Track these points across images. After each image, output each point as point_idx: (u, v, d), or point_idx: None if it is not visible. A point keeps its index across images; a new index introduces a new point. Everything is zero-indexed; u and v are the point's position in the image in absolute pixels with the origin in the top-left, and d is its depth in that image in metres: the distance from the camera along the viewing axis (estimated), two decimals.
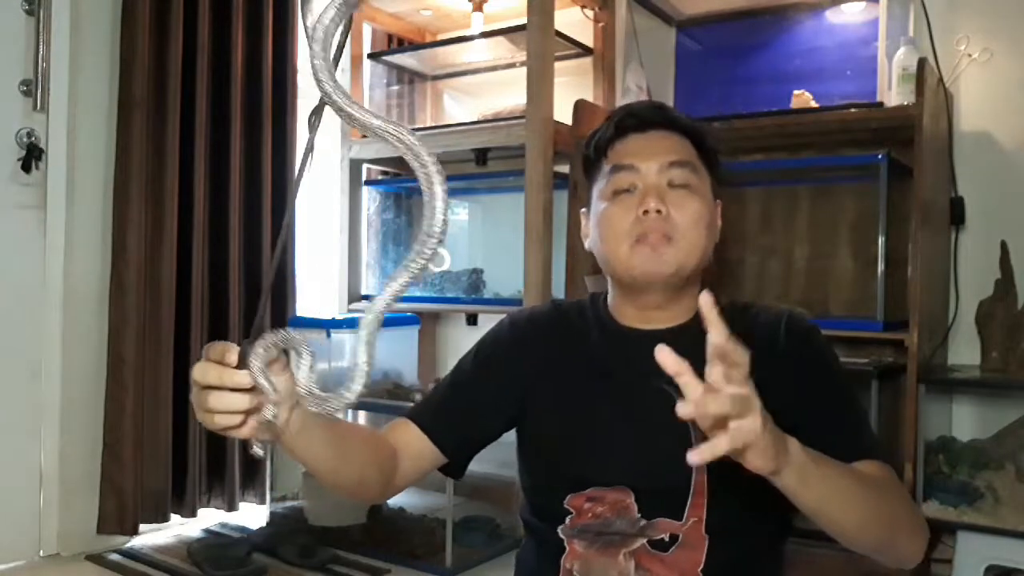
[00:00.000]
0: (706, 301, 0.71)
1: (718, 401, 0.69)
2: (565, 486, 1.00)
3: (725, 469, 0.76)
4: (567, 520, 1.00)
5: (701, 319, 0.71)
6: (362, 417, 2.56)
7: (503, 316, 1.14)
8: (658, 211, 0.97)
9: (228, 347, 0.73)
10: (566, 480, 1.01)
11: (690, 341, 0.74)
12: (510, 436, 1.08)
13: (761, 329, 1.00)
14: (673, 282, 1.00)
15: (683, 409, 0.69)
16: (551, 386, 1.05)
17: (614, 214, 1.00)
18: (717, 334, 0.70)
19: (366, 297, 2.62)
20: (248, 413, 0.75)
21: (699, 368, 0.70)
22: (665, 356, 0.69)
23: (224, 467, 2.30)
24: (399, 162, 2.75)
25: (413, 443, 1.03)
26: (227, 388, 0.72)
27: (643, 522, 0.96)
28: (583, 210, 1.08)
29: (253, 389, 0.73)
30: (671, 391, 0.73)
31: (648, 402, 0.93)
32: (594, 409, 1.01)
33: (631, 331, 1.05)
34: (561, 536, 1.00)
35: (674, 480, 0.95)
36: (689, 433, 0.87)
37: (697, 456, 0.69)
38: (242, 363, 0.72)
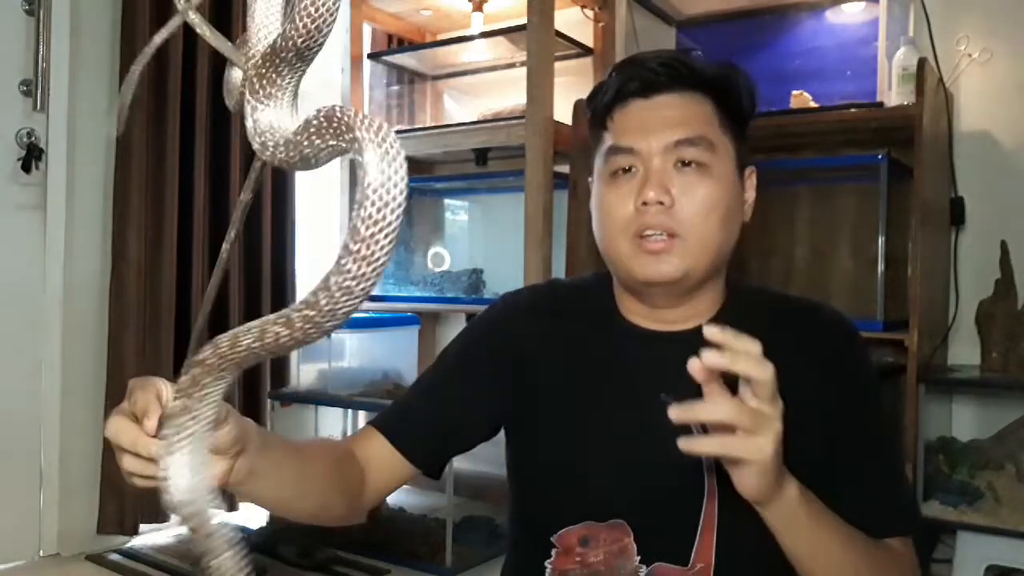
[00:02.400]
0: (713, 333, 0.65)
1: (722, 407, 0.66)
2: (554, 516, 0.89)
3: (739, 503, 0.71)
4: (553, 555, 0.88)
5: (725, 315, 0.66)
6: (362, 418, 2.56)
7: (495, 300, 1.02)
8: (660, 202, 0.83)
9: (150, 407, 0.57)
10: (555, 510, 0.89)
11: (711, 346, 0.66)
12: None
13: (788, 326, 0.89)
14: (682, 286, 0.87)
15: (675, 412, 0.66)
16: (545, 392, 0.92)
17: (611, 200, 0.87)
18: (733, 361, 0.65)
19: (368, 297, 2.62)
20: None
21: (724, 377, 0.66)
22: (695, 366, 0.65)
23: None
24: None
25: (382, 457, 0.91)
26: (142, 456, 0.58)
27: (642, 570, 0.84)
28: (590, 179, 0.93)
29: None
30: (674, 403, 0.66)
31: (653, 419, 0.79)
32: (592, 425, 0.89)
33: (639, 331, 0.91)
34: None
35: (680, 514, 0.84)
36: (701, 459, 0.81)
37: (684, 444, 0.67)
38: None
